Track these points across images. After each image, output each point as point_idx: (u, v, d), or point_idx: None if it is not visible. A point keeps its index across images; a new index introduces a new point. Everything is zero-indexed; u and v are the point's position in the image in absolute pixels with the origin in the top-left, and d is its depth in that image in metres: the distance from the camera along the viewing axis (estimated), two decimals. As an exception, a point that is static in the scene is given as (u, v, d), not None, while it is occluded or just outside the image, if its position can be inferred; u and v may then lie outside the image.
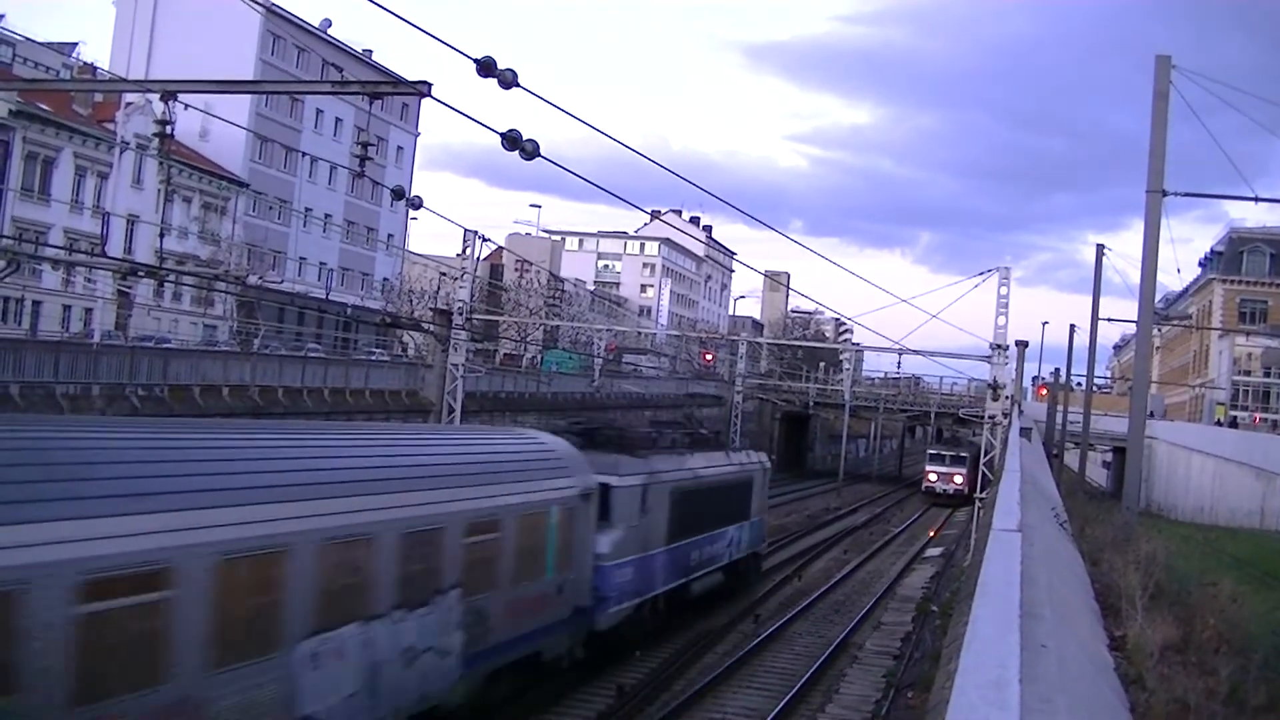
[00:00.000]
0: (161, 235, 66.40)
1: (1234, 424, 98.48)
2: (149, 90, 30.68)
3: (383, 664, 18.42)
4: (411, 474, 20.36)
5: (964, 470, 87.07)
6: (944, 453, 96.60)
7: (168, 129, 24.14)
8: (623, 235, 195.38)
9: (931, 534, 68.91)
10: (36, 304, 72.97)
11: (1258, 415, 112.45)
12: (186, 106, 25.81)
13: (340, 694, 17.35)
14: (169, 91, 23.74)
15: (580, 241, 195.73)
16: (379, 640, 18.32)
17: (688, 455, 35.15)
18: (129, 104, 79.96)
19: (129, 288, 68.54)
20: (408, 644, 19.09)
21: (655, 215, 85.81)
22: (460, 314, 50.51)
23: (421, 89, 20.28)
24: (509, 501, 22.83)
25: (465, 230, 50.27)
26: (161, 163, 64.94)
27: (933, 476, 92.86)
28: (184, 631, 14.37)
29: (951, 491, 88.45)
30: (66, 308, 75.50)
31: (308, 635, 16.62)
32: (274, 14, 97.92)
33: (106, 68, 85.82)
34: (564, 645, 25.61)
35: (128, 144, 78.60)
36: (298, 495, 17.01)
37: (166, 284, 72.09)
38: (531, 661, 24.24)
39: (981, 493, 46.53)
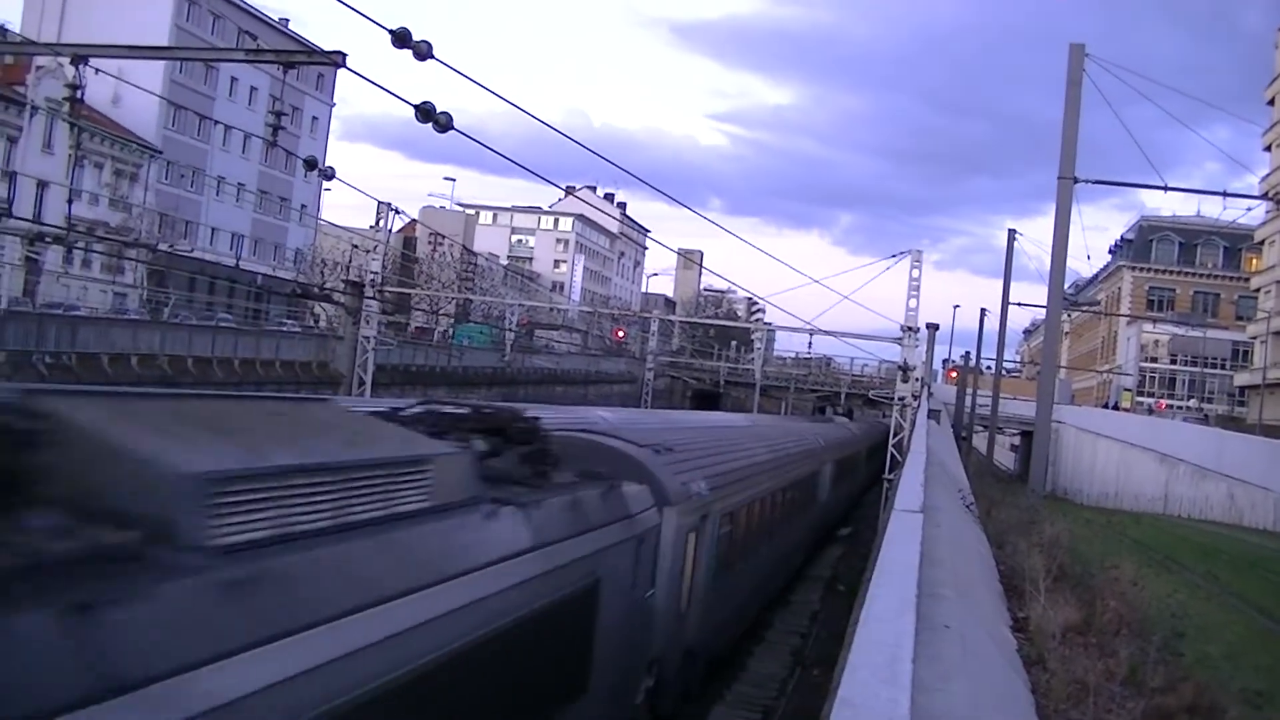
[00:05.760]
0: (71, 201, 65.41)
1: (1116, 407, 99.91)
2: (60, 54, 30.22)
3: None
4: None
5: None
6: None
7: (78, 93, 23.92)
8: (537, 210, 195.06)
9: None
10: (-60, 268, 71.69)
11: (1161, 402, 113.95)
12: (98, 71, 25.45)
13: None
14: (80, 55, 23.47)
15: (494, 216, 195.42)
16: None
17: None
18: (40, 67, 78.59)
19: (37, 254, 67.53)
20: None
21: (570, 191, 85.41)
22: (372, 286, 50.43)
23: (336, 59, 20.20)
24: None
25: (379, 202, 50.39)
26: (72, 127, 63.98)
27: None
28: None
29: None
30: (-28, 273, 74.19)
31: None
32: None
33: (18, 29, 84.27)
34: None
35: (38, 108, 77.34)
36: None
37: (76, 250, 71.02)
38: None
39: (891, 473, 46.90)
